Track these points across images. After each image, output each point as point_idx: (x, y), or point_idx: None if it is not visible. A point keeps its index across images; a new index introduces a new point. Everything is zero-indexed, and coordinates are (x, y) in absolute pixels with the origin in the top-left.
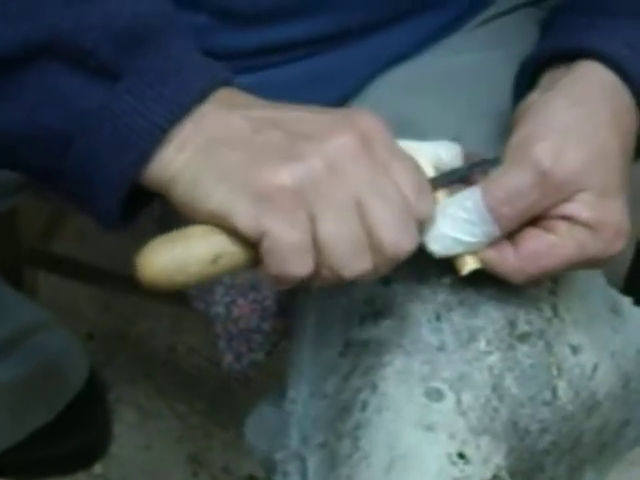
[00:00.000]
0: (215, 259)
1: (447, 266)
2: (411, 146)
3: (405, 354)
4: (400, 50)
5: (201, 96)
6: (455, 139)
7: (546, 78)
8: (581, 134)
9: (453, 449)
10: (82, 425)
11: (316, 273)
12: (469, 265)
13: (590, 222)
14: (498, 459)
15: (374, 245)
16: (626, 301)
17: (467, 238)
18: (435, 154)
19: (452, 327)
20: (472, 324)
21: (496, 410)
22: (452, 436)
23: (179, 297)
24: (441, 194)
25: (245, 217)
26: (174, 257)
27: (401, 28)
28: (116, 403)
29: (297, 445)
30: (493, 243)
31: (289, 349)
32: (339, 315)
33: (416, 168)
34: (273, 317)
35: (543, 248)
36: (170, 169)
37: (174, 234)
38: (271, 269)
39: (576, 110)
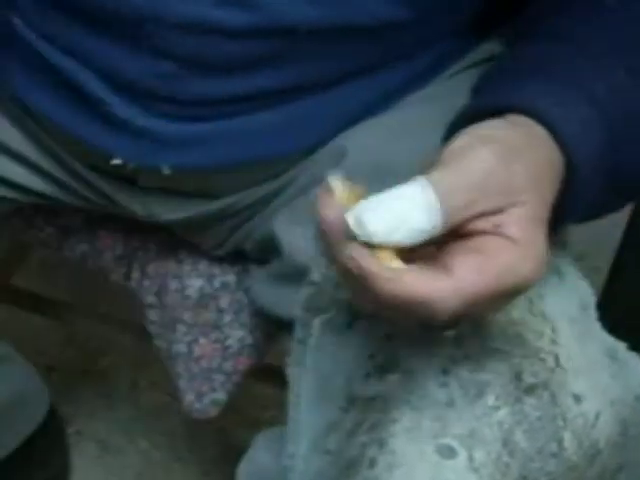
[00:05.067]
0: None
1: None
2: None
3: (413, 410)
4: (371, 100)
5: None
6: None
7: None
8: (526, 153)
9: None
10: (41, 460)
11: None
12: (394, 262)
13: (520, 240)
14: None
15: None
16: (621, 347)
17: (415, 225)
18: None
19: (459, 382)
20: (479, 378)
21: (507, 465)
22: None
23: (142, 332)
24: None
25: None
26: None
27: (370, 80)
28: (76, 437)
29: None
30: (421, 270)
31: (289, 403)
32: (340, 370)
33: None
34: (235, 357)
35: (476, 266)
36: None
37: None
38: None
39: (519, 136)
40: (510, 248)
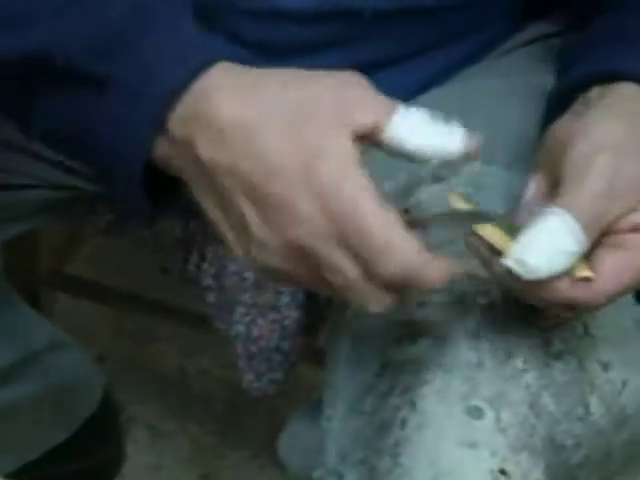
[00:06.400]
0: None
1: (482, 287)
2: None
3: (444, 372)
4: (428, 77)
5: (171, 101)
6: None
7: (579, 101)
8: (637, 148)
9: (495, 466)
10: (96, 444)
11: None
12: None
13: None
14: (537, 474)
15: None
16: None
17: (568, 249)
18: None
19: (490, 345)
20: (509, 342)
21: (534, 427)
22: (493, 453)
23: (190, 319)
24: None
25: None
26: None
27: (428, 58)
28: (128, 423)
29: (335, 462)
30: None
31: (326, 369)
32: (375, 336)
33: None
34: (292, 337)
35: (621, 264)
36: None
37: None
38: None
39: (627, 124)
40: None
